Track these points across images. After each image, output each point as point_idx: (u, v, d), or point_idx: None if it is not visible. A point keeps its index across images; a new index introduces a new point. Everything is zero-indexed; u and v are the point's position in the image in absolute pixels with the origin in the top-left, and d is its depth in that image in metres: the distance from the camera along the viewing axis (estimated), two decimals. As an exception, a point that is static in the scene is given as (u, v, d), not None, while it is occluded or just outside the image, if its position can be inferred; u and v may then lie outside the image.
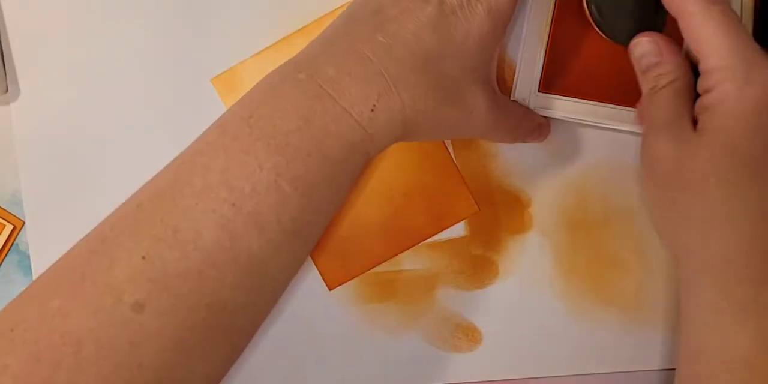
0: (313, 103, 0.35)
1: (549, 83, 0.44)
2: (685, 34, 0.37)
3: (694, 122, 0.37)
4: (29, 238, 0.47)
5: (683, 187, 0.37)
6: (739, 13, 0.44)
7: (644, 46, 0.40)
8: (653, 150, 0.38)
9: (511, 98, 0.46)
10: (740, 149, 0.35)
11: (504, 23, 0.39)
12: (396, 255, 0.47)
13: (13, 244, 0.47)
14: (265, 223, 0.33)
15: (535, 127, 0.44)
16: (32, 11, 0.47)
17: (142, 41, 0.47)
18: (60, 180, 0.45)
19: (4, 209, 0.47)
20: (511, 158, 0.47)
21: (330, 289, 0.47)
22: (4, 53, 0.47)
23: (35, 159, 0.47)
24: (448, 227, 0.47)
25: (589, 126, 0.46)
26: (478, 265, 0.47)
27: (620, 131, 0.46)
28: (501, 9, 0.38)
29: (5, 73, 0.46)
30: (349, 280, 0.47)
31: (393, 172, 0.46)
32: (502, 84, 0.46)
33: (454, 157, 0.47)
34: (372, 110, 0.35)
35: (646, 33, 0.40)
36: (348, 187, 0.37)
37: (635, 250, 0.47)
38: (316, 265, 0.47)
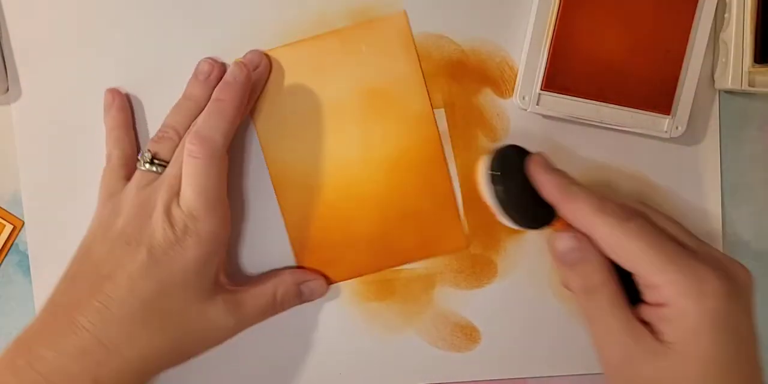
0: None
1: (551, 82, 0.44)
2: (606, 251, 0.37)
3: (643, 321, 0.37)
4: (29, 238, 0.47)
5: None
6: (741, 31, 0.44)
7: (566, 242, 0.38)
8: (615, 362, 0.37)
9: (514, 96, 0.46)
10: (715, 360, 0.35)
11: (220, 242, 0.41)
12: (377, 271, 0.47)
13: (13, 244, 0.47)
14: None
15: (293, 288, 0.45)
16: (32, 11, 0.47)
17: (142, 41, 0.47)
18: (59, 180, 0.45)
19: (4, 209, 0.47)
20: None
21: None
22: (5, 53, 0.47)
23: (35, 159, 0.47)
24: (434, 257, 0.47)
25: (591, 125, 0.46)
26: (477, 264, 0.47)
27: (621, 131, 0.46)
28: (212, 233, 0.40)
29: (5, 73, 0.46)
30: (328, 285, 0.47)
31: (393, 191, 0.46)
32: (502, 83, 0.46)
33: (457, 170, 0.47)
34: (95, 382, 0.37)
35: (565, 229, 0.38)
36: None
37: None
38: (296, 262, 0.47)
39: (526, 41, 0.45)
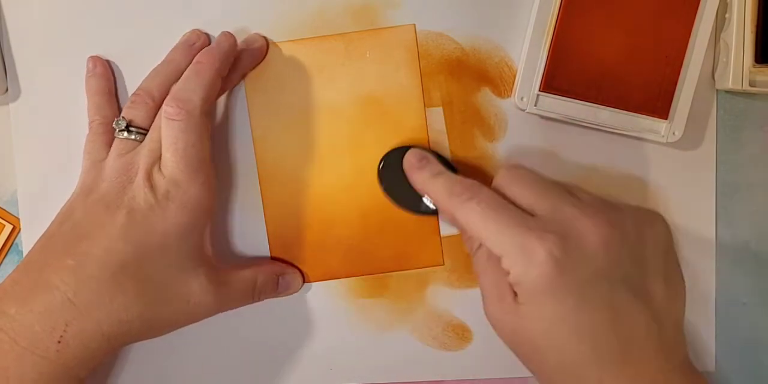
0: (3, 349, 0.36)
1: (550, 83, 0.44)
2: (461, 228, 0.40)
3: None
4: (24, 238, 0.47)
5: (523, 350, 0.39)
6: (742, 31, 0.44)
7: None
8: (489, 313, 0.40)
9: (512, 96, 0.46)
10: (554, 319, 0.37)
11: (203, 209, 0.40)
12: (350, 277, 0.47)
13: (13, 244, 0.48)
14: None
15: (272, 278, 0.45)
16: (32, 12, 0.47)
17: (142, 42, 0.47)
18: (58, 181, 0.45)
19: (3, 209, 0.47)
20: (508, 158, 0.47)
21: None
22: (4, 53, 0.47)
23: (32, 160, 0.47)
24: (410, 269, 0.47)
25: (588, 128, 0.45)
26: (470, 264, 0.47)
27: (619, 134, 0.45)
28: (195, 200, 0.40)
29: (5, 73, 0.47)
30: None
31: (377, 200, 0.46)
32: (501, 83, 0.46)
33: (451, 158, 0.47)
34: (59, 342, 0.37)
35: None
36: None
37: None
38: (270, 256, 0.47)
39: (525, 42, 0.45)
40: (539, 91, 0.44)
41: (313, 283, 0.48)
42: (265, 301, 0.46)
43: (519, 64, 0.45)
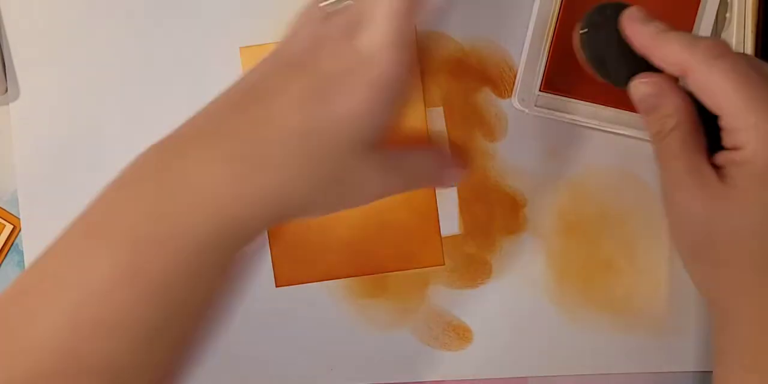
0: (173, 193, 0.32)
1: (551, 83, 0.44)
2: (695, 91, 0.36)
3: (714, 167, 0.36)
4: (24, 239, 0.47)
5: (719, 244, 0.36)
6: (742, 31, 0.44)
7: (643, 88, 0.38)
8: (678, 203, 0.36)
9: (513, 97, 0.46)
10: None
11: (396, 91, 0.35)
12: (350, 277, 0.47)
13: (13, 244, 0.47)
14: (116, 325, 0.30)
15: (437, 171, 0.40)
16: (31, 12, 0.47)
17: (142, 41, 0.47)
18: (58, 181, 0.45)
19: (4, 209, 0.47)
20: (509, 158, 0.47)
21: (277, 286, 0.47)
22: (4, 53, 0.47)
23: (33, 159, 0.47)
24: (410, 269, 0.47)
25: (589, 128, 0.45)
26: (471, 264, 0.47)
27: (620, 135, 0.45)
28: (387, 80, 0.34)
29: (5, 73, 0.46)
30: (299, 283, 0.47)
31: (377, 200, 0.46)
32: (501, 83, 0.46)
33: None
34: (236, 198, 0.32)
35: (645, 74, 0.38)
36: (218, 282, 0.34)
37: (628, 254, 0.47)
38: (271, 256, 0.47)
39: (526, 42, 0.45)
40: (540, 91, 0.44)
41: (314, 284, 0.47)
42: (265, 300, 0.46)
43: (519, 64, 0.45)
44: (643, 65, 0.38)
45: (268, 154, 0.33)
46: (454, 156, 0.43)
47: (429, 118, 0.46)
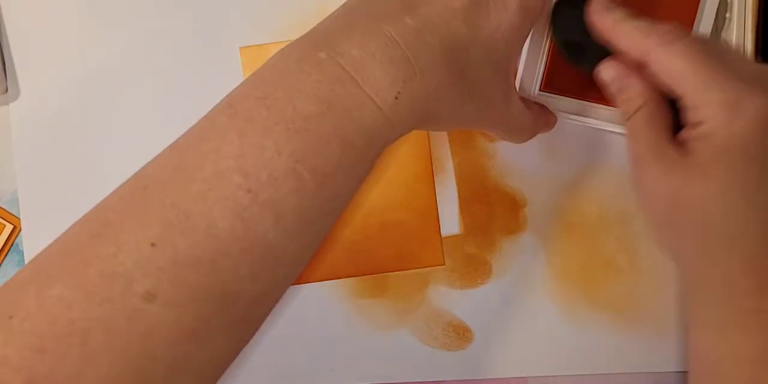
0: (335, 86, 0.32)
1: (550, 82, 0.44)
2: (657, 74, 0.37)
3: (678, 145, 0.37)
4: (25, 238, 0.47)
5: (682, 216, 0.37)
6: (742, 31, 0.44)
7: (609, 72, 0.39)
8: (645, 179, 0.38)
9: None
10: (736, 180, 0.35)
11: (533, 20, 0.37)
12: (350, 277, 0.47)
13: (13, 244, 0.47)
14: (281, 211, 0.31)
15: (543, 126, 0.43)
16: (32, 12, 0.47)
17: (143, 40, 0.47)
18: (58, 181, 0.45)
19: (4, 209, 0.47)
20: (509, 158, 0.47)
21: None
22: (4, 53, 0.47)
23: (33, 159, 0.47)
24: (410, 269, 0.47)
25: (589, 127, 0.45)
26: (471, 263, 0.47)
27: (620, 134, 0.45)
28: (533, 5, 0.37)
29: (5, 73, 0.47)
30: (299, 283, 0.47)
31: (378, 200, 0.46)
32: (502, 83, 0.46)
33: (454, 168, 0.47)
34: (396, 98, 0.33)
35: (610, 58, 0.39)
36: (365, 175, 0.35)
37: (628, 253, 0.47)
38: None
39: (525, 42, 0.45)
40: (539, 91, 0.44)
41: (313, 284, 0.48)
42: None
43: (519, 64, 0.45)
44: (610, 51, 0.39)
45: (428, 63, 0.34)
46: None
47: (429, 118, 0.46)
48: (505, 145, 0.47)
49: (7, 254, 0.48)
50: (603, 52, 0.40)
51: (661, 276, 0.47)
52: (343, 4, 0.36)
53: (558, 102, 0.44)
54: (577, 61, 0.41)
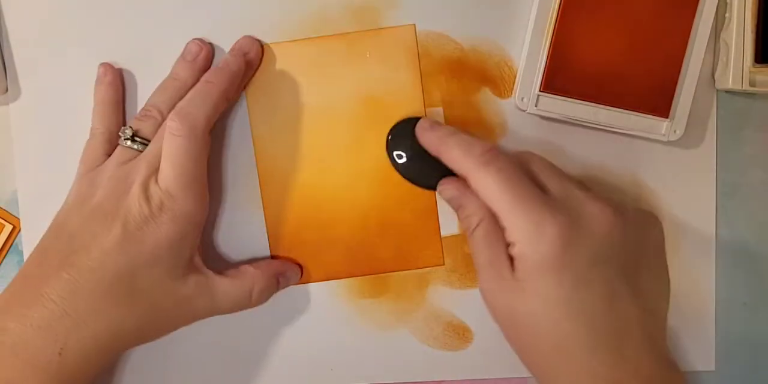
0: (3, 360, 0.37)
1: (550, 83, 0.44)
2: (476, 193, 0.40)
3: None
4: (24, 239, 0.47)
5: (518, 328, 0.39)
6: (742, 31, 0.44)
7: (447, 191, 0.42)
8: (484, 292, 0.40)
9: (513, 97, 0.46)
10: (552, 296, 0.37)
11: (194, 223, 0.41)
12: (350, 277, 0.47)
13: (13, 244, 0.47)
14: None
15: (272, 283, 0.45)
16: (32, 12, 0.47)
17: (143, 42, 0.47)
18: (58, 181, 0.45)
19: (3, 209, 0.47)
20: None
21: None
22: (4, 53, 0.47)
23: (32, 160, 0.47)
24: (410, 269, 0.47)
25: (589, 127, 0.45)
26: (470, 264, 0.47)
27: (620, 134, 0.46)
28: (187, 212, 0.40)
29: (5, 74, 0.47)
30: (300, 284, 0.47)
31: (377, 200, 0.47)
32: (501, 83, 0.46)
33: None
34: (60, 354, 0.37)
35: (446, 179, 0.42)
36: None
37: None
38: (271, 257, 0.47)
39: (525, 42, 0.45)
40: (539, 91, 0.44)
41: (314, 284, 0.48)
42: (265, 303, 0.46)
43: (519, 65, 0.45)
44: (445, 168, 0.42)
45: (91, 307, 0.38)
46: (285, 260, 0.47)
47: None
48: (505, 146, 0.46)
49: (6, 254, 0.48)
50: (438, 170, 0.42)
51: (661, 276, 0.47)
52: (20, 269, 0.41)
53: (558, 102, 0.44)
54: (415, 181, 0.44)
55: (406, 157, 0.44)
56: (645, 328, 0.39)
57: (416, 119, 0.44)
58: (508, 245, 0.39)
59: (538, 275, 0.37)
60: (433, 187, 0.44)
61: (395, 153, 0.45)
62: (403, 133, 0.44)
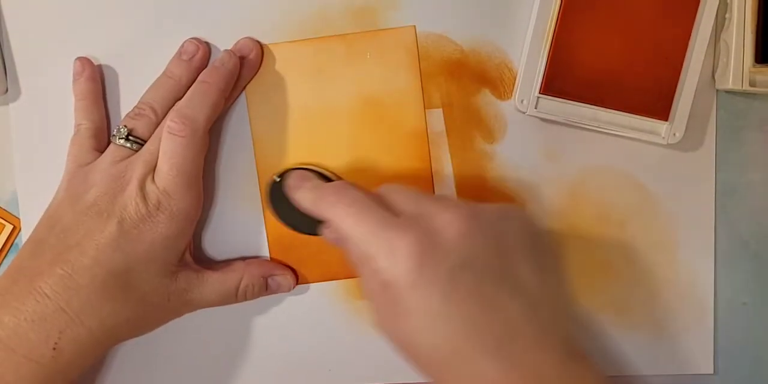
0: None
1: (550, 85, 0.44)
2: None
3: None
4: (24, 239, 0.47)
5: (406, 351, 0.38)
6: (742, 31, 0.44)
7: (328, 235, 0.43)
8: (377, 325, 0.39)
9: (513, 99, 0.46)
10: (420, 312, 0.36)
11: (190, 221, 0.42)
12: (349, 278, 0.47)
13: (13, 244, 0.48)
14: None
15: (258, 280, 0.45)
16: (32, 12, 0.47)
17: (143, 43, 0.47)
18: (58, 181, 0.45)
19: (3, 209, 0.48)
20: (508, 159, 0.47)
21: None
22: (4, 53, 0.47)
23: (32, 160, 0.47)
24: None
25: (588, 130, 0.45)
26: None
27: (619, 136, 0.45)
28: (184, 211, 0.41)
29: (5, 74, 0.47)
30: (299, 284, 0.47)
31: None
32: (501, 85, 0.46)
33: (453, 169, 0.47)
34: (54, 348, 0.38)
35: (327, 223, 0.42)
36: None
37: (626, 256, 0.47)
38: (270, 258, 0.47)
39: (525, 44, 0.45)
40: (539, 93, 0.44)
41: (313, 284, 0.48)
42: (264, 301, 0.47)
43: (519, 67, 0.45)
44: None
45: (85, 304, 0.39)
46: (279, 264, 0.47)
47: (428, 119, 0.46)
48: (504, 147, 0.46)
49: (6, 254, 0.48)
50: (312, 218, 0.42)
51: (660, 278, 0.47)
52: (12, 262, 0.41)
53: (558, 104, 0.44)
54: (293, 226, 0.46)
55: (284, 210, 0.46)
56: (535, 325, 0.37)
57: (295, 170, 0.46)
58: None
59: (407, 294, 0.36)
60: (316, 233, 0.45)
61: (273, 207, 0.46)
62: (276, 191, 0.46)
